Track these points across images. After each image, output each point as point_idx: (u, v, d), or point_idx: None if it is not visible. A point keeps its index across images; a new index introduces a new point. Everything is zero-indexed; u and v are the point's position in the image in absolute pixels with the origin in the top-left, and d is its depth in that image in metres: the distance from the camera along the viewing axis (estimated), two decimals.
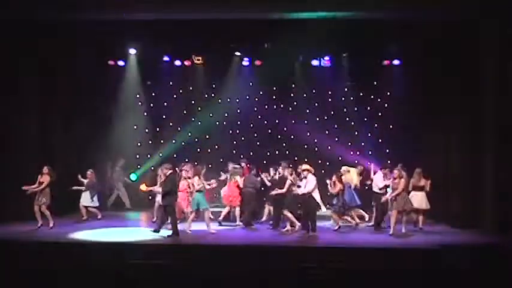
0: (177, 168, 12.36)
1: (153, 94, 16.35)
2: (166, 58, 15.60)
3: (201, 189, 11.48)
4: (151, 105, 16.34)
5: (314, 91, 16.09)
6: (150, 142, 16.22)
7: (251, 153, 15.51)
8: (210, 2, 11.67)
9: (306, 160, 14.85)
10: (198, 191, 11.46)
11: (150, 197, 13.95)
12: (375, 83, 15.87)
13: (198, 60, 15.55)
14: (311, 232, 11.33)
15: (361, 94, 15.93)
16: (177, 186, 11.50)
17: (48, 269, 8.60)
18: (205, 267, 9.04)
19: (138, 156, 15.64)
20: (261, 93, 16.17)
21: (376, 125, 15.96)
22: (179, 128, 16.21)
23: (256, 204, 12.68)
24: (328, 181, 11.91)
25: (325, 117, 16.11)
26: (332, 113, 16.12)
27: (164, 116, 16.27)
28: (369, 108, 15.99)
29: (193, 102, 16.43)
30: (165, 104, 16.32)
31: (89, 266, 8.84)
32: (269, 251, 10.05)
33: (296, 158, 15.17)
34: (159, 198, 12.00)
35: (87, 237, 11.05)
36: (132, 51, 15.43)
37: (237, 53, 15.49)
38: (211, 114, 16.33)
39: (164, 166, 11.57)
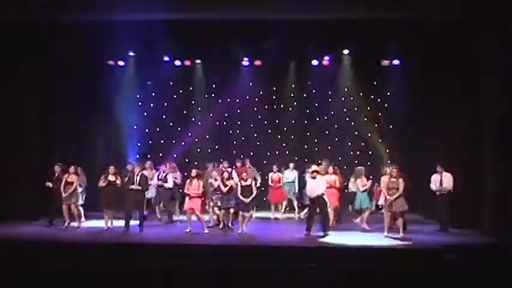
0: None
1: (153, 94, 16.36)
2: (166, 58, 15.61)
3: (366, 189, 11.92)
4: (151, 105, 16.35)
5: (314, 91, 16.11)
6: (150, 142, 16.23)
7: (251, 153, 15.51)
8: (210, 2, 11.68)
9: (305, 160, 14.93)
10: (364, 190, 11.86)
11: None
12: (375, 83, 15.87)
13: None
14: (324, 232, 11.22)
15: (361, 94, 15.94)
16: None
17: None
18: (205, 267, 9.05)
19: (138, 156, 15.64)
20: (261, 93, 16.18)
21: (376, 125, 15.97)
22: (179, 128, 16.23)
23: None
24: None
25: (325, 117, 16.12)
26: (332, 113, 16.13)
27: (164, 116, 16.29)
28: (368, 108, 16.00)
29: (193, 102, 16.44)
30: (165, 104, 16.33)
31: None
32: (269, 251, 10.05)
33: (296, 158, 15.22)
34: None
35: None
36: (132, 51, 15.44)
37: (238, 54, 15.47)
38: (211, 114, 16.34)
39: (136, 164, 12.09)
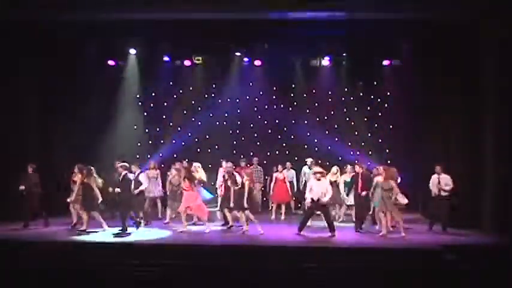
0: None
1: (153, 94, 16.36)
2: (166, 58, 15.61)
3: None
4: (151, 105, 16.35)
5: (314, 91, 16.11)
6: (150, 142, 16.24)
7: (251, 153, 15.51)
8: (210, 2, 11.68)
9: (305, 160, 14.91)
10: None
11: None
12: (375, 83, 15.87)
13: (198, 60, 15.55)
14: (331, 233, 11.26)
15: (361, 94, 15.94)
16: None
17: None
18: (205, 267, 9.05)
19: (138, 156, 15.64)
20: (261, 93, 16.18)
21: (376, 125, 15.96)
22: (179, 128, 16.22)
23: None
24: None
25: (325, 117, 16.11)
26: (332, 113, 16.13)
27: (164, 116, 16.29)
28: (368, 108, 16.00)
29: (193, 102, 16.44)
30: (165, 104, 16.34)
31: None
32: (269, 251, 10.05)
33: (296, 158, 15.22)
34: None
35: None
36: (132, 51, 15.45)
37: (237, 53, 15.50)
38: (211, 114, 16.35)
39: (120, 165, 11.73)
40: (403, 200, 11.38)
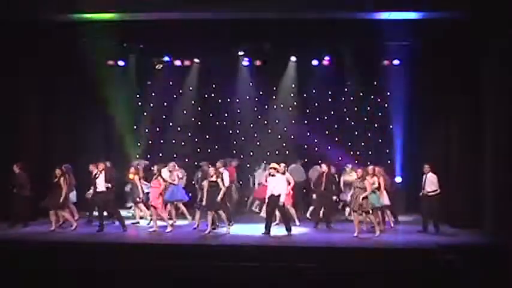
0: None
1: (153, 94, 16.36)
2: (166, 58, 15.62)
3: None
4: (151, 105, 16.35)
5: (314, 91, 16.10)
6: (150, 142, 16.23)
7: (251, 153, 15.50)
8: (210, 2, 11.68)
9: (305, 160, 14.93)
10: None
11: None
12: (375, 83, 15.87)
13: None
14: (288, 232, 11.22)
15: (361, 94, 15.93)
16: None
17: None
18: (206, 267, 9.06)
19: (138, 156, 15.65)
20: (261, 93, 16.18)
21: (376, 125, 15.96)
22: (179, 128, 16.23)
23: None
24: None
25: (325, 117, 16.11)
26: (332, 113, 16.12)
27: (164, 116, 16.29)
28: (369, 108, 15.99)
29: (193, 102, 16.44)
30: (165, 104, 16.34)
31: None
32: (269, 251, 10.05)
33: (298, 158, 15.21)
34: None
35: None
36: (132, 51, 15.44)
37: (241, 53, 15.46)
38: (211, 114, 16.35)
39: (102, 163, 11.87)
40: (384, 201, 11.57)
